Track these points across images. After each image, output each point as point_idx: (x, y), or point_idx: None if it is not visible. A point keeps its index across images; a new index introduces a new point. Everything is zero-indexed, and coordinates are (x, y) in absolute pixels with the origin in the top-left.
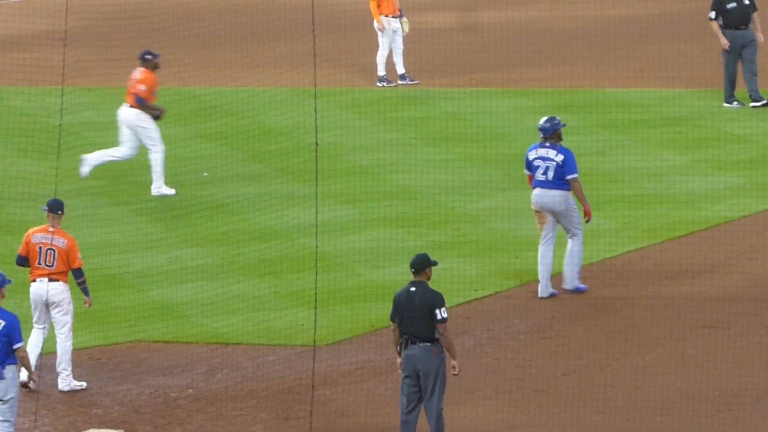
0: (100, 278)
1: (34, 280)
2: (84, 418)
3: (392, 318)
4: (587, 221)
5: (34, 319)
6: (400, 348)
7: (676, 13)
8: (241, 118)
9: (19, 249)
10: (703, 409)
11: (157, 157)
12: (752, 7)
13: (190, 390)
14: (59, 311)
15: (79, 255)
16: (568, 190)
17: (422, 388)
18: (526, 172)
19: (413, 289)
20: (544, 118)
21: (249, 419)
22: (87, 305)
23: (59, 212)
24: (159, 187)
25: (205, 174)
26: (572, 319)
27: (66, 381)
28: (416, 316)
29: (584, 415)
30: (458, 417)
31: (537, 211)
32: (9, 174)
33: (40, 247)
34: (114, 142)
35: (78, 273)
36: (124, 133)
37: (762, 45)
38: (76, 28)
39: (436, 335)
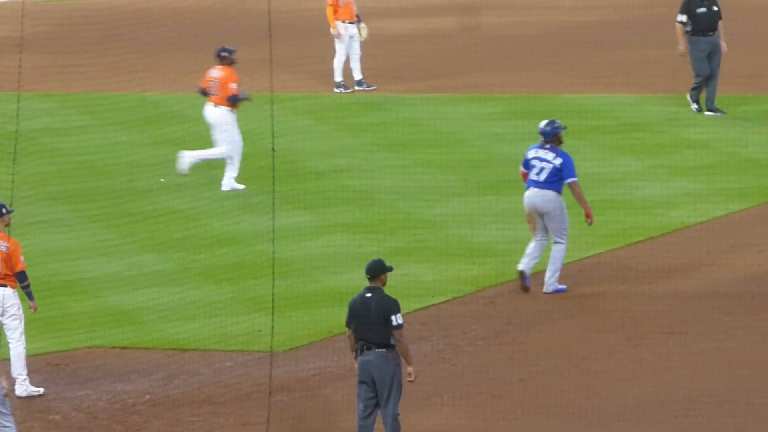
0: (57, 284)
1: None
2: (41, 424)
3: (348, 324)
4: (589, 223)
5: None
6: (356, 354)
7: (633, 20)
8: (198, 124)
9: None
10: (660, 415)
11: (226, 152)
12: (719, 14)
13: (148, 396)
14: (9, 317)
15: (21, 258)
16: (560, 192)
17: (378, 394)
18: (522, 169)
19: (369, 294)
20: (545, 122)
21: (206, 425)
22: (32, 309)
23: (0, 217)
24: (231, 183)
25: (163, 180)
26: (529, 325)
27: (23, 386)
28: (372, 322)
29: (541, 421)
30: (415, 423)
31: (528, 213)
32: None
33: None
34: (65, 148)
35: (21, 276)
36: (216, 135)
37: (724, 53)
38: (33, 34)
39: (392, 341)
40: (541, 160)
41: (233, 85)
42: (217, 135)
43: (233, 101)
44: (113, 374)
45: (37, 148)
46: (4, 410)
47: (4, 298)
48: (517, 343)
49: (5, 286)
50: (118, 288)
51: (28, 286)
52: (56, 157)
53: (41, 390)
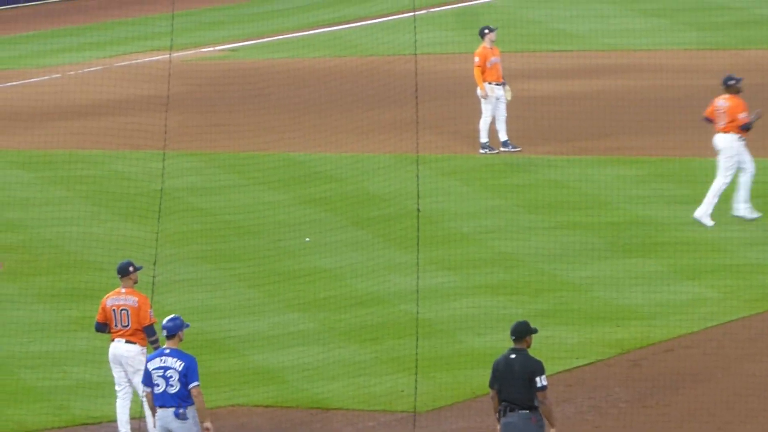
0: (202, 342)
1: (113, 340)
2: None
3: (491, 385)
4: None
5: (116, 382)
6: (499, 415)
7: None
8: (344, 184)
9: (97, 316)
10: None
11: (719, 184)
12: None
13: None
14: (136, 373)
15: (150, 312)
16: None
17: None
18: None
19: (513, 356)
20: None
21: None
22: None
23: (126, 274)
24: (703, 214)
25: (308, 239)
26: (673, 389)
27: None
28: (516, 383)
29: None
30: None
31: None
32: (112, 238)
33: (114, 310)
34: (210, 207)
35: (150, 331)
36: (721, 161)
37: None
38: (179, 93)
39: (536, 403)
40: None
41: (742, 115)
42: (723, 162)
43: (745, 129)
44: None
45: (182, 206)
46: None
47: (129, 354)
48: (660, 407)
49: (133, 343)
50: (262, 347)
51: (156, 341)
52: (201, 216)
53: None
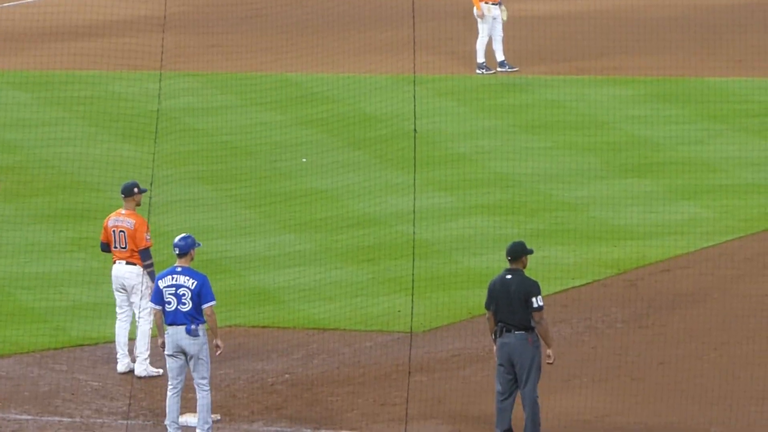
0: (198, 263)
1: (114, 263)
2: (182, 403)
3: (487, 306)
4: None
5: (117, 304)
6: (495, 336)
7: None
8: (341, 105)
9: (101, 235)
10: None
11: None
12: None
13: (287, 375)
14: (135, 294)
15: (146, 236)
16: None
17: (517, 376)
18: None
19: (509, 276)
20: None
21: (345, 405)
22: (149, 290)
23: (129, 195)
24: None
25: (304, 160)
26: (670, 309)
27: (143, 366)
28: (512, 304)
29: (680, 404)
30: (554, 405)
31: None
32: (108, 159)
33: (114, 230)
34: (207, 128)
35: (145, 254)
36: None
37: None
38: (176, 14)
39: (532, 323)
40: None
41: None
42: None
43: None
44: (253, 353)
45: (179, 127)
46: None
47: (130, 276)
48: (657, 327)
49: (133, 264)
50: (259, 267)
51: (150, 266)
52: (198, 136)
53: (160, 371)
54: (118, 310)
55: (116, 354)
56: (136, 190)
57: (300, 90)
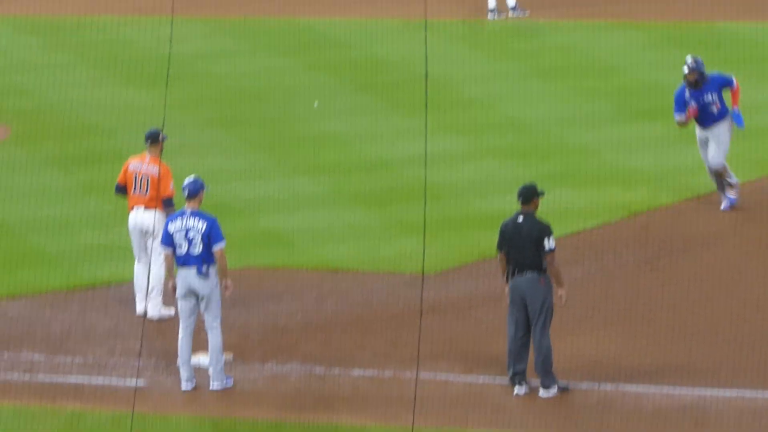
0: (210, 206)
1: (132, 209)
2: (194, 343)
3: (499, 247)
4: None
5: (134, 250)
6: (507, 277)
7: None
8: (352, 50)
9: (118, 177)
10: None
11: None
12: None
13: (299, 316)
14: (152, 239)
15: (171, 185)
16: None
17: (529, 317)
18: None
19: (521, 218)
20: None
21: (357, 345)
22: None
23: (155, 142)
24: None
25: (316, 104)
26: (681, 251)
27: (156, 308)
28: (524, 246)
29: (691, 345)
30: (566, 347)
31: None
32: (119, 103)
33: (136, 175)
34: (218, 73)
35: (168, 202)
36: None
37: None
38: None
39: (544, 265)
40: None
41: None
42: None
43: None
44: (265, 294)
45: (190, 72)
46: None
47: (149, 221)
48: (668, 269)
49: (152, 209)
50: (271, 210)
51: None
52: (209, 81)
53: (172, 312)
54: (137, 254)
55: (135, 297)
56: (161, 136)
57: (311, 34)
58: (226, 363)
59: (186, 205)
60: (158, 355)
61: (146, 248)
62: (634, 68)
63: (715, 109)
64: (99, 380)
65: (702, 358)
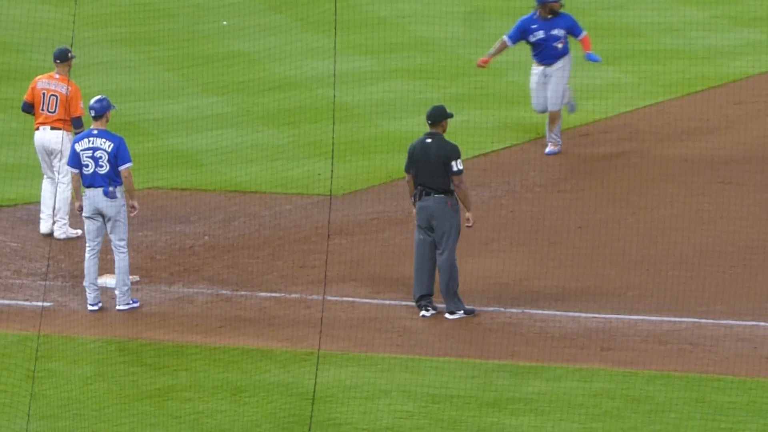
0: (119, 125)
1: (38, 128)
2: (101, 265)
3: (407, 169)
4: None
5: (42, 168)
6: (415, 199)
7: None
8: None
9: (25, 95)
10: (717, 264)
11: None
12: None
13: (207, 237)
14: (59, 159)
15: (81, 104)
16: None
17: (436, 239)
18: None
19: (429, 140)
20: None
21: (264, 267)
22: None
23: (64, 60)
24: None
25: (225, 23)
26: (588, 173)
27: (62, 229)
28: (431, 168)
29: (598, 268)
30: (473, 268)
31: None
32: (29, 20)
33: (44, 93)
34: None
35: (77, 122)
36: None
37: None
38: None
39: (452, 187)
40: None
41: None
42: None
43: None
44: (172, 216)
45: None
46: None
47: (56, 140)
48: (576, 191)
49: (58, 129)
50: (179, 130)
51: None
52: None
53: (78, 232)
54: (45, 172)
55: (40, 215)
56: (69, 54)
57: None
58: (132, 284)
59: (92, 124)
60: (65, 276)
61: (52, 168)
62: None
63: (559, 45)
64: (5, 301)
65: (609, 280)
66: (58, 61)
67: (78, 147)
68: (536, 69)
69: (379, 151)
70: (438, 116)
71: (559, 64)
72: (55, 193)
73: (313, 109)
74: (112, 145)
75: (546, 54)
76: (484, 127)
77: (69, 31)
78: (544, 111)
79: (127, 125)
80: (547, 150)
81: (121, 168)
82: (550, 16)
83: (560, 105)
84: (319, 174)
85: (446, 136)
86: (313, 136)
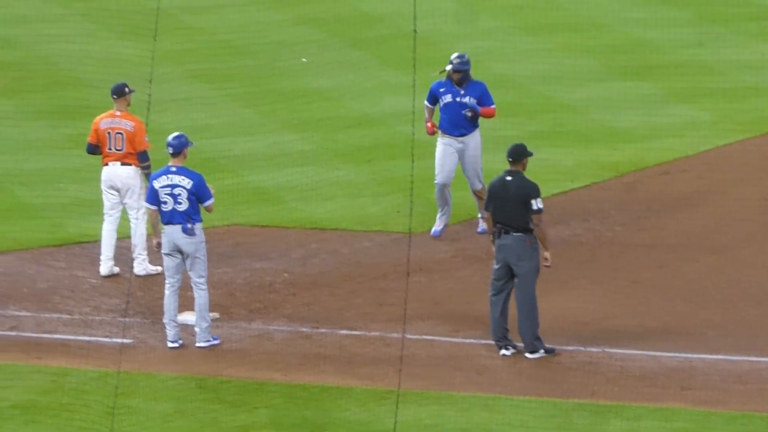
0: (198, 161)
1: (106, 164)
2: (181, 302)
3: (486, 207)
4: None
5: (105, 207)
6: (494, 237)
7: None
8: (340, 4)
9: (89, 137)
10: None
11: None
12: None
13: (286, 275)
14: (130, 195)
15: (146, 138)
16: None
17: (514, 278)
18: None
19: (509, 178)
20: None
21: (344, 305)
22: (145, 191)
23: (121, 95)
24: None
25: (304, 60)
26: (668, 212)
27: (142, 265)
28: (511, 206)
29: (678, 306)
30: (552, 307)
31: None
32: (108, 56)
33: (109, 132)
34: (206, 26)
35: (143, 156)
36: None
37: None
38: None
39: (531, 225)
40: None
41: None
42: None
43: None
44: (252, 252)
45: (178, 25)
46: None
47: (127, 177)
48: (656, 229)
49: (128, 164)
50: (258, 167)
51: (148, 167)
52: (197, 35)
53: (159, 269)
54: (108, 211)
55: (100, 256)
56: (127, 89)
57: None
58: (212, 321)
59: (170, 161)
60: (144, 312)
61: (120, 205)
62: (622, 25)
63: (468, 113)
64: (84, 338)
65: (688, 319)
66: (116, 97)
67: (156, 184)
68: (443, 139)
69: (458, 189)
70: (519, 154)
71: (470, 140)
72: (116, 233)
73: (392, 146)
74: (191, 182)
75: (454, 122)
76: (564, 165)
77: (147, 67)
78: (446, 184)
79: (206, 162)
80: (479, 229)
81: (207, 204)
82: (458, 83)
83: (481, 182)
84: (398, 211)
85: (525, 174)
86: (392, 173)
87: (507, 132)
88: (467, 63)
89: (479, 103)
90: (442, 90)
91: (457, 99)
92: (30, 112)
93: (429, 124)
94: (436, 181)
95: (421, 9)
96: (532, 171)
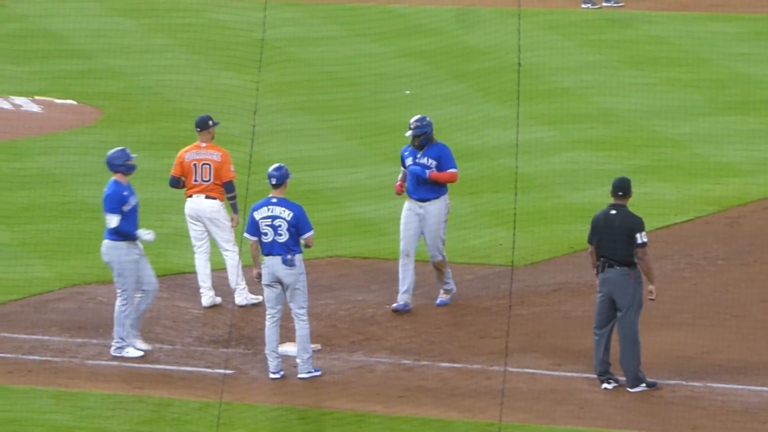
0: (301, 193)
1: (190, 196)
2: (282, 332)
3: (590, 240)
4: None
5: (193, 238)
6: (598, 270)
7: None
8: (445, 37)
9: (172, 170)
10: None
11: None
12: None
13: (388, 306)
14: (218, 228)
15: (232, 168)
16: None
17: (618, 312)
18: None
19: (613, 212)
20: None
21: (445, 338)
22: (234, 223)
23: (205, 128)
24: None
25: (407, 92)
26: None
27: (242, 295)
28: (615, 239)
29: None
30: (655, 341)
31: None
32: (212, 87)
33: (195, 164)
34: (310, 58)
35: (229, 186)
36: None
37: None
38: None
39: (635, 259)
40: None
41: None
42: None
43: None
44: (354, 284)
45: (283, 57)
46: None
47: (212, 210)
48: (759, 264)
49: (213, 198)
50: (361, 198)
51: (234, 197)
52: (301, 66)
53: (260, 298)
54: (196, 243)
55: (200, 288)
56: (210, 122)
57: (404, 22)
58: (313, 352)
59: (271, 192)
60: (246, 343)
61: (206, 235)
62: (726, 60)
63: (428, 175)
64: (187, 368)
65: None
66: (199, 129)
67: (257, 215)
68: (407, 203)
69: (561, 222)
70: (624, 188)
71: (432, 207)
72: (209, 262)
73: (495, 179)
74: (291, 213)
75: (416, 185)
76: (667, 198)
77: (252, 98)
78: (408, 252)
79: (308, 193)
80: (438, 300)
81: (306, 236)
82: (419, 147)
83: (442, 253)
84: (501, 244)
85: (629, 208)
86: (495, 205)
87: (611, 166)
88: (427, 126)
89: (438, 167)
90: (405, 153)
91: (417, 160)
92: (133, 142)
93: (398, 184)
94: (400, 250)
95: (525, 42)
96: (635, 204)
